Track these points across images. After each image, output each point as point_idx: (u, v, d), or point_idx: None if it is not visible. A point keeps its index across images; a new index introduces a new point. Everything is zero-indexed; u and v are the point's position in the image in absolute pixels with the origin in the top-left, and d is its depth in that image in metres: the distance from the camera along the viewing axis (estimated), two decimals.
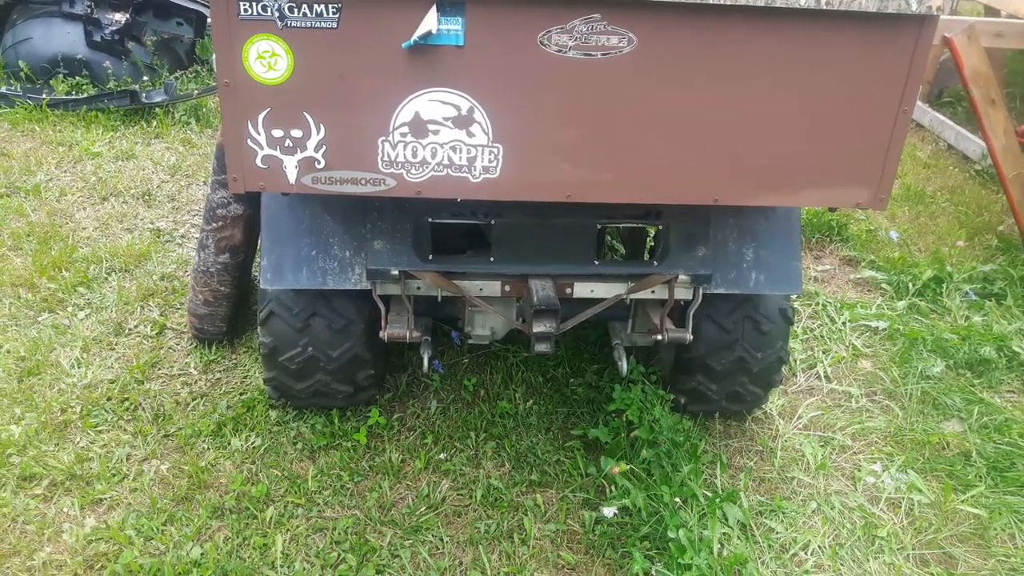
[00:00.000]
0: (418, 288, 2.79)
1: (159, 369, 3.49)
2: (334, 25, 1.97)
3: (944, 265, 4.54)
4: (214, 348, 3.59)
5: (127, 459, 3.02)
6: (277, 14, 1.96)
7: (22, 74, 6.02)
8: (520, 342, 3.67)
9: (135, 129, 5.74)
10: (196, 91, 6.08)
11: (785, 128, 2.18)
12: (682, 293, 2.81)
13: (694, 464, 2.92)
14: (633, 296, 2.83)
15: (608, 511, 2.83)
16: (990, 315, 4.17)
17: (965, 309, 4.26)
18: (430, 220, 2.65)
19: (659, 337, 2.85)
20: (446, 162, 2.17)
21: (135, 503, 2.84)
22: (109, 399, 3.29)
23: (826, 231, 4.96)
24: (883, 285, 4.47)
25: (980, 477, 3.17)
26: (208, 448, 3.09)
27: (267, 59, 2.00)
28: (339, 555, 2.69)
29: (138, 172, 5.15)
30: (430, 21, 1.95)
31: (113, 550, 2.66)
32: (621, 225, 3.35)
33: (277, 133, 2.10)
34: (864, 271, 4.62)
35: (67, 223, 4.53)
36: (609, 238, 4.15)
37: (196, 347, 3.60)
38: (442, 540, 2.78)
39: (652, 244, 3.52)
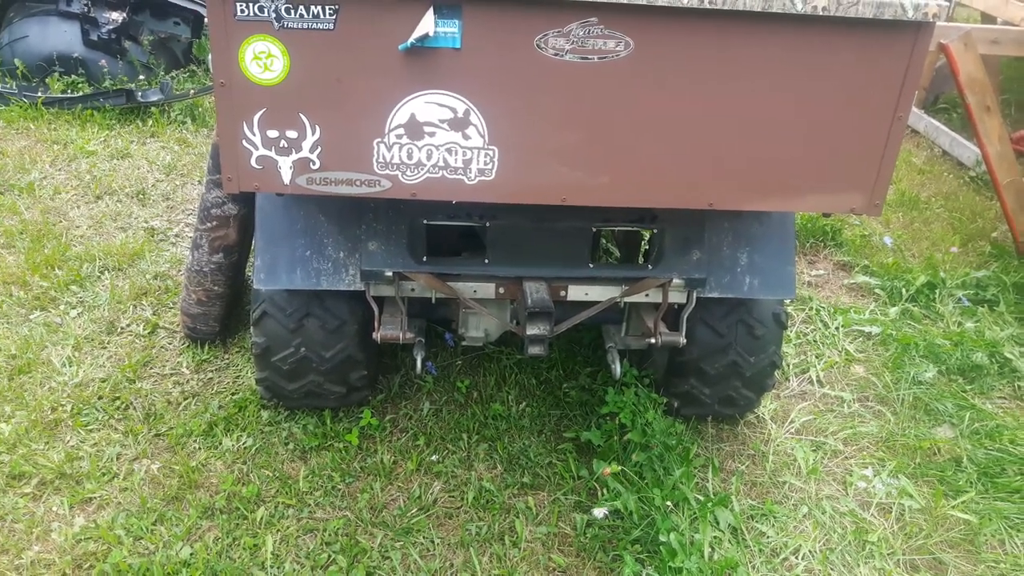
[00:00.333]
0: (412, 289, 2.79)
1: (151, 368, 3.48)
2: (331, 26, 1.97)
3: (937, 271, 4.55)
4: (207, 348, 3.58)
5: (117, 458, 3.01)
6: (274, 15, 1.95)
7: (18, 72, 6.00)
8: (514, 344, 3.67)
9: (130, 128, 5.73)
10: (192, 91, 6.07)
11: (781, 133, 2.19)
12: (676, 297, 2.81)
13: (686, 467, 2.92)
14: (627, 299, 2.83)
15: (599, 513, 2.83)
16: (982, 321, 4.19)
17: (958, 315, 4.27)
18: (425, 222, 2.65)
19: (653, 340, 2.86)
20: (441, 164, 2.17)
21: (125, 502, 2.83)
22: (100, 398, 3.27)
23: (820, 236, 4.97)
24: (876, 290, 4.49)
25: (971, 483, 3.18)
26: (199, 448, 3.08)
27: (263, 60, 2.00)
28: (329, 556, 2.69)
29: (133, 171, 5.14)
30: (427, 23, 1.95)
31: (102, 549, 2.65)
32: (616, 228, 3.35)
33: (272, 134, 2.10)
34: (858, 276, 4.63)
35: (61, 221, 4.51)
36: (604, 241, 4.16)
37: (188, 346, 3.59)
38: (433, 542, 2.78)
39: (647, 247, 3.53)
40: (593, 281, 2.80)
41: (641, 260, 3.52)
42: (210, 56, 2.07)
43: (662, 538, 2.64)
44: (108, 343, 3.60)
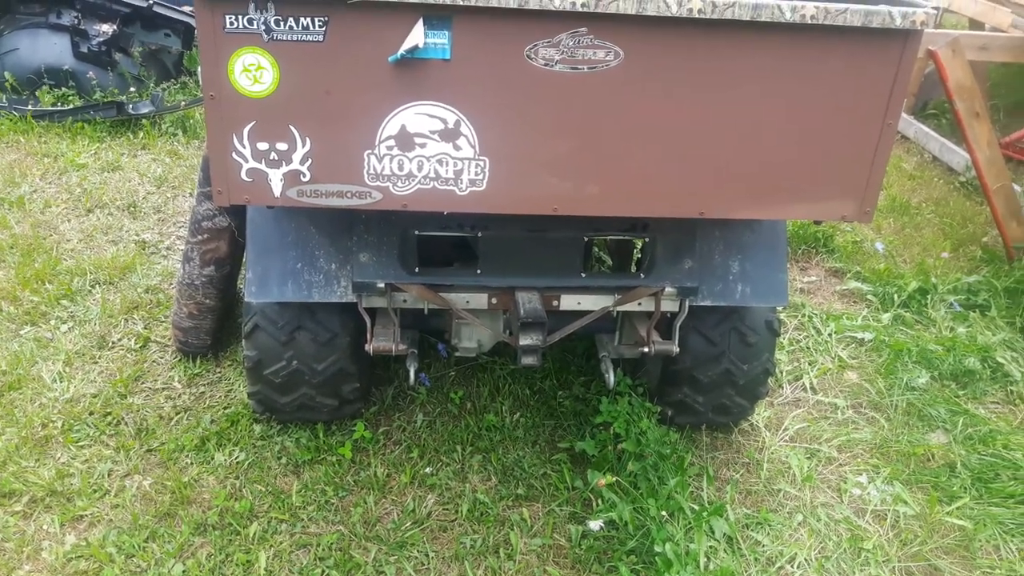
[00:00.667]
0: (404, 301, 2.78)
1: (142, 383, 3.46)
2: (320, 39, 1.97)
3: (929, 276, 4.57)
4: (198, 361, 3.56)
5: (109, 475, 2.99)
6: (263, 27, 1.95)
7: (8, 85, 5.98)
8: (507, 354, 3.66)
9: (121, 140, 5.71)
10: (183, 102, 6.06)
11: (771, 142, 2.19)
12: (669, 305, 2.81)
13: (681, 477, 2.92)
14: (620, 308, 2.83)
15: (594, 525, 2.82)
16: (974, 326, 4.19)
17: (950, 320, 4.28)
18: (416, 233, 2.65)
19: (646, 349, 2.85)
20: (432, 175, 2.17)
21: (116, 519, 2.81)
22: (91, 413, 3.25)
23: (812, 242, 4.98)
24: (869, 296, 4.49)
25: (965, 489, 3.18)
26: (191, 463, 3.06)
27: (253, 72, 1.99)
28: (323, 571, 2.67)
29: (124, 184, 5.12)
30: (417, 35, 1.95)
31: (94, 568, 2.62)
32: (608, 237, 3.35)
33: (262, 146, 2.09)
34: (850, 282, 4.64)
35: (51, 235, 4.49)
36: (596, 250, 4.16)
37: (180, 360, 3.57)
38: (427, 556, 2.76)
39: (639, 256, 3.53)
40: (585, 290, 2.80)
41: (633, 269, 3.52)
42: (199, 68, 2.07)
43: (657, 549, 2.63)
44: (99, 358, 3.58)
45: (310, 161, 2.12)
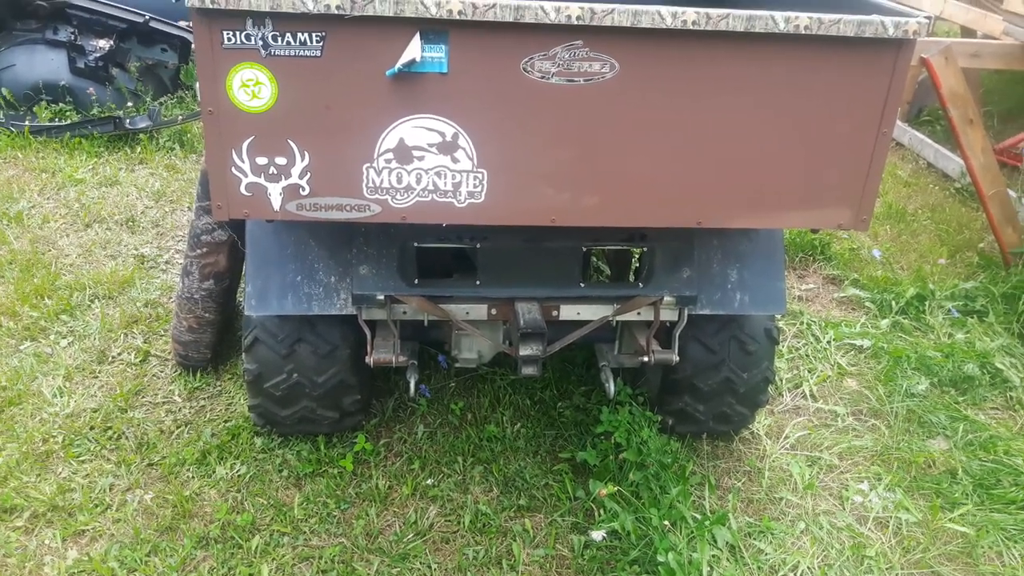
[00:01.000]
0: (404, 313, 2.78)
1: (143, 397, 3.46)
2: (318, 54, 1.98)
3: (926, 283, 4.58)
4: (198, 375, 3.56)
5: (110, 489, 2.99)
6: (261, 43, 1.96)
7: (4, 101, 6.00)
8: (507, 365, 3.67)
9: (119, 155, 5.72)
10: (180, 117, 6.07)
11: (767, 151, 2.21)
12: (668, 314, 2.82)
13: (682, 486, 2.92)
14: (619, 318, 2.84)
15: (597, 535, 2.82)
16: (972, 332, 4.20)
17: (948, 326, 4.29)
18: (416, 245, 2.66)
19: (645, 359, 2.86)
20: (431, 187, 2.18)
21: (118, 534, 2.80)
22: (92, 428, 3.25)
23: (809, 250, 5.00)
24: (867, 303, 4.50)
25: (966, 495, 3.18)
26: (192, 477, 3.06)
27: (251, 87, 2.01)
28: None
29: (122, 198, 5.13)
30: (414, 49, 1.96)
31: None
32: (606, 248, 3.36)
33: (261, 161, 2.10)
34: (848, 289, 4.65)
35: (50, 250, 4.49)
36: (594, 259, 4.17)
37: (180, 374, 3.57)
38: (430, 567, 2.76)
39: (637, 266, 3.54)
40: (585, 300, 2.81)
41: (632, 278, 3.53)
42: (197, 84, 2.08)
43: (660, 558, 2.63)
44: (99, 372, 3.58)
45: (309, 175, 2.13)
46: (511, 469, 3.18)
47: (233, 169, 2.10)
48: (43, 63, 6.10)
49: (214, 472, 3.07)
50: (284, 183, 2.13)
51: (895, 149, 6.85)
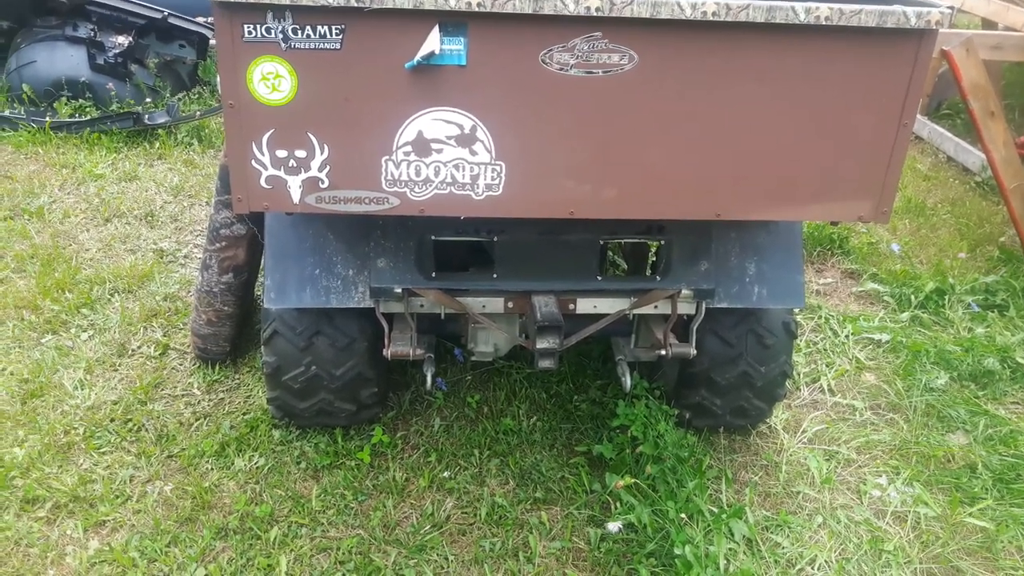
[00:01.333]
0: (421, 306, 2.79)
1: (162, 390, 3.49)
2: (337, 46, 1.99)
3: (946, 277, 4.54)
4: (217, 368, 3.59)
5: (130, 480, 3.02)
6: (281, 36, 1.97)
7: (25, 97, 6.06)
8: (523, 358, 3.67)
9: (138, 150, 5.77)
10: (198, 112, 6.11)
11: (786, 143, 2.19)
12: (685, 308, 2.81)
13: (699, 479, 2.91)
14: (636, 311, 2.83)
15: (613, 527, 2.82)
16: (993, 327, 4.17)
17: (968, 321, 4.25)
18: (433, 238, 2.66)
19: (663, 352, 2.85)
20: (449, 180, 2.18)
21: (139, 525, 2.83)
22: (112, 420, 3.28)
23: (827, 244, 4.97)
24: (885, 298, 4.47)
25: (986, 490, 3.16)
26: (212, 468, 3.08)
27: (271, 80, 2.02)
28: (343, 575, 2.68)
29: (141, 193, 5.17)
30: (433, 42, 1.97)
31: (117, 572, 2.65)
32: (623, 240, 3.35)
33: (281, 154, 2.11)
34: (866, 284, 4.62)
35: (70, 245, 4.54)
36: (611, 253, 4.16)
37: (199, 367, 3.60)
38: (447, 559, 2.77)
39: (654, 259, 3.53)
40: (602, 294, 2.80)
41: (649, 272, 3.52)
42: (218, 77, 2.09)
43: (677, 551, 2.62)
44: (119, 365, 3.62)
45: (328, 168, 2.14)
46: (527, 462, 3.19)
47: (253, 162, 2.12)
48: (63, 59, 6.16)
49: (233, 464, 3.09)
50: (304, 176, 2.14)
51: (914, 143, 6.80)
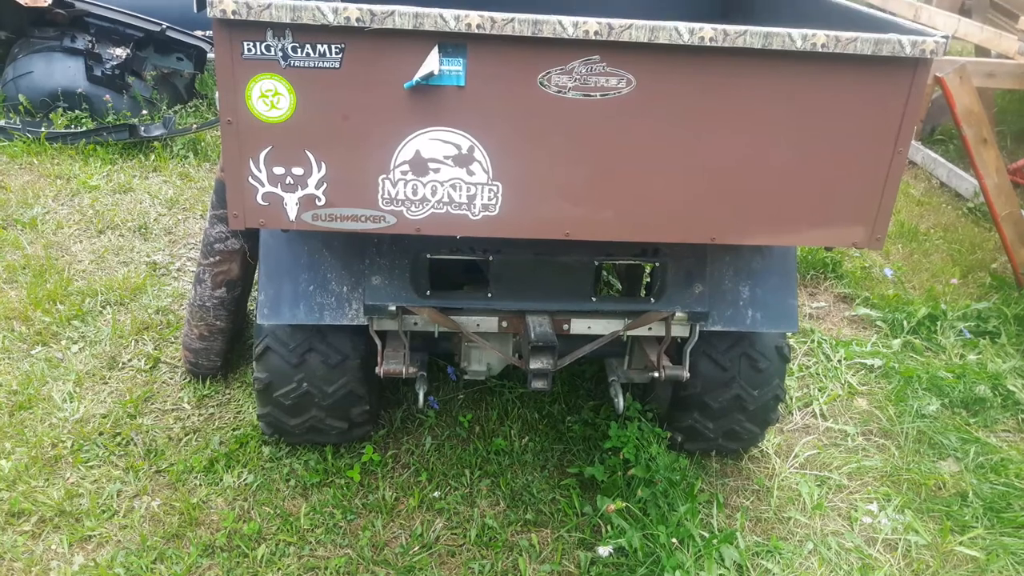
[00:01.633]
0: (415, 324, 2.79)
1: (152, 404, 3.47)
2: (337, 65, 2.00)
3: (938, 303, 4.56)
4: (208, 383, 3.57)
5: (118, 495, 2.99)
6: (280, 54, 1.98)
7: (21, 108, 6.05)
8: (516, 378, 3.66)
9: (133, 162, 5.76)
10: (194, 125, 6.12)
11: (782, 168, 2.21)
12: (679, 330, 2.81)
13: (691, 503, 2.90)
14: (630, 333, 2.83)
15: (604, 551, 2.80)
16: (984, 353, 4.18)
17: (960, 347, 4.27)
18: (428, 256, 2.66)
19: (656, 374, 2.85)
20: (446, 200, 2.18)
21: (125, 540, 2.80)
22: (101, 434, 3.26)
23: (821, 268, 4.99)
24: (878, 322, 4.49)
25: (977, 518, 3.15)
26: (200, 484, 3.06)
27: (270, 98, 2.02)
28: None
29: (135, 205, 5.16)
30: (432, 62, 1.97)
31: None
32: (618, 262, 3.36)
33: (278, 171, 2.11)
34: (859, 308, 4.63)
35: (63, 256, 4.52)
36: (605, 274, 4.16)
37: (190, 381, 3.58)
38: None
39: (648, 281, 3.53)
40: (596, 315, 2.80)
41: (643, 293, 3.52)
42: (217, 94, 2.09)
43: None
44: (109, 378, 3.59)
45: (325, 185, 2.14)
46: (518, 483, 3.17)
47: (250, 179, 2.12)
48: (61, 70, 6.16)
49: (221, 480, 3.07)
50: (300, 193, 2.14)
51: (908, 168, 6.84)
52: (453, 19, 1.93)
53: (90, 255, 4.56)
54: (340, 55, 1.99)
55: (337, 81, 2.01)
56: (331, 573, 2.73)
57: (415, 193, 2.17)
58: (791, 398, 3.79)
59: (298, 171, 2.11)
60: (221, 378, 3.60)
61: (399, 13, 1.92)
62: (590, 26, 1.96)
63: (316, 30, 1.95)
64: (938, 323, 4.40)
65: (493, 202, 2.19)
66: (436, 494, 3.10)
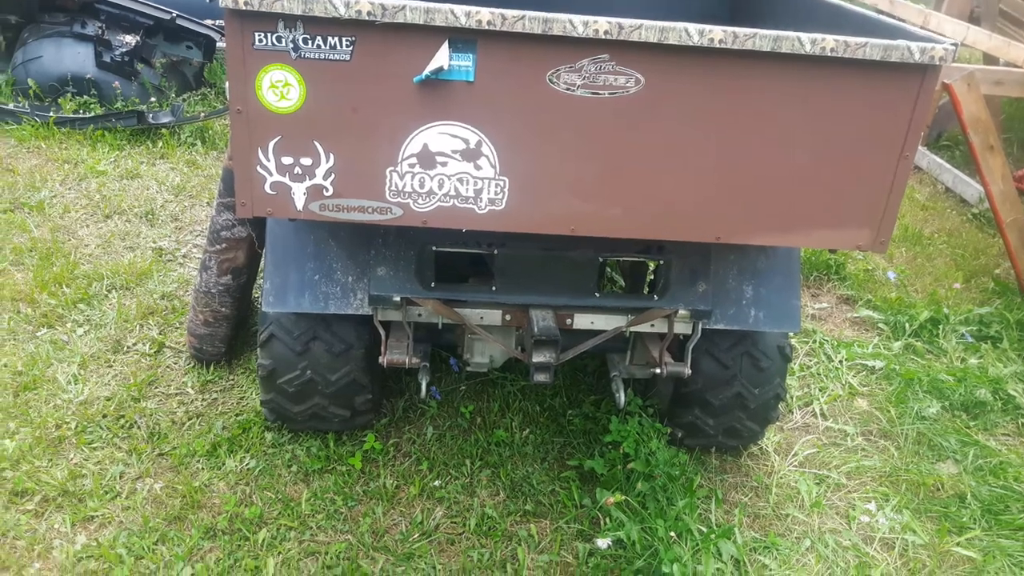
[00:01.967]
0: (419, 315, 2.81)
1: (156, 387, 3.49)
2: (347, 57, 2.01)
3: (941, 307, 4.57)
4: (212, 368, 3.60)
5: (120, 477, 3.02)
6: (291, 45, 1.99)
7: (31, 92, 6.07)
8: (518, 370, 3.68)
9: (141, 149, 5.78)
10: (202, 113, 6.13)
11: (788, 170, 2.22)
12: (682, 328, 2.83)
13: (690, 498, 2.92)
14: (633, 329, 2.85)
15: (602, 543, 2.83)
16: (986, 358, 4.19)
17: (961, 351, 4.28)
18: (434, 248, 2.68)
19: (658, 370, 2.87)
20: (453, 193, 2.20)
21: (127, 521, 2.83)
22: (105, 416, 3.28)
23: (824, 270, 5.00)
24: (880, 325, 4.50)
25: (975, 520, 3.17)
26: (202, 468, 3.09)
27: (280, 88, 2.04)
28: None
29: (142, 191, 5.18)
30: (442, 57, 1.99)
31: (103, 568, 2.65)
32: (622, 259, 3.38)
33: (287, 160, 2.13)
34: (861, 310, 4.64)
35: (70, 240, 4.55)
36: (609, 270, 4.18)
37: (194, 367, 3.61)
38: (435, 568, 2.78)
39: (652, 278, 3.55)
40: (599, 310, 2.82)
41: (647, 290, 3.54)
42: (227, 83, 2.11)
43: (665, 569, 2.63)
44: (114, 361, 3.62)
45: (333, 176, 2.16)
46: (518, 474, 3.20)
47: (259, 168, 2.13)
48: (70, 56, 6.18)
49: (224, 464, 3.10)
50: (308, 183, 2.16)
51: (913, 172, 6.84)
52: (464, 15, 1.95)
53: (96, 239, 4.59)
54: (351, 48, 2.00)
55: (347, 74, 2.03)
56: (331, 558, 2.76)
57: (422, 186, 2.19)
58: (792, 397, 3.81)
59: (306, 161, 2.13)
60: (225, 364, 3.63)
61: (410, 8, 1.94)
62: (600, 25, 1.97)
63: (327, 22, 1.97)
64: (940, 327, 4.42)
65: (500, 196, 2.21)
66: (436, 483, 3.12)
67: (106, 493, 2.94)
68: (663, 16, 2.15)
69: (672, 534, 2.78)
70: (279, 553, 2.76)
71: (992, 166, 4.54)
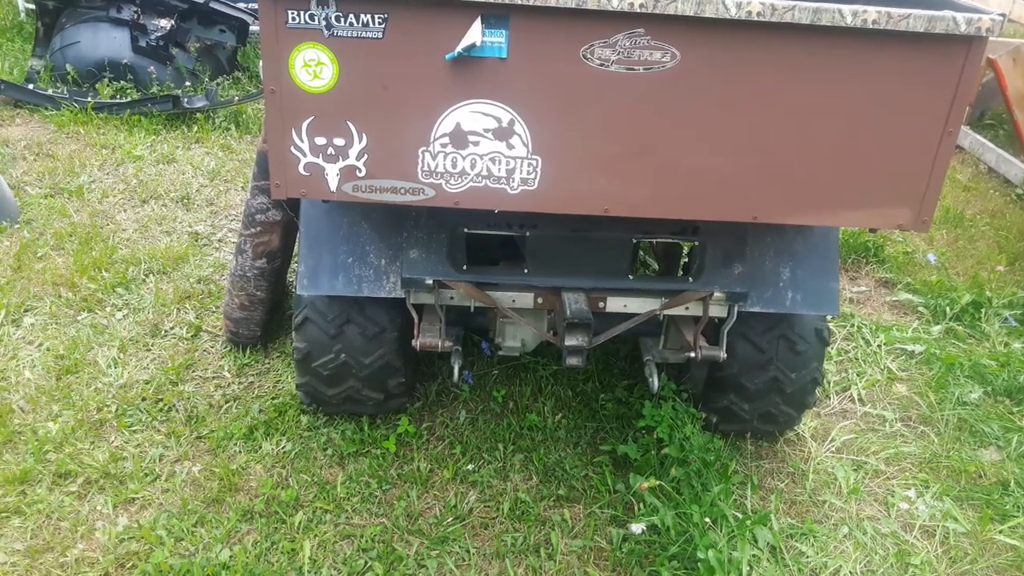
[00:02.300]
0: (451, 298, 2.80)
1: (193, 371, 3.53)
2: (379, 35, 2.00)
3: (983, 290, 4.46)
4: (248, 352, 3.63)
5: (160, 459, 3.06)
6: (324, 23, 1.98)
7: (69, 77, 6.16)
8: (550, 355, 3.67)
9: (176, 133, 5.84)
10: (236, 97, 6.17)
11: (827, 147, 2.16)
12: (717, 311, 2.79)
13: (724, 484, 2.89)
14: (667, 312, 2.81)
15: (636, 528, 2.81)
16: None
17: (1004, 335, 4.17)
18: (466, 230, 2.66)
19: (692, 354, 2.83)
20: (485, 173, 2.18)
21: (167, 503, 2.87)
22: (144, 399, 3.33)
23: (862, 252, 4.90)
24: (920, 308, 4.41)
25: (1019, 507, 3.10)
26: (239, 451, 3.12)
27: (313, 67, 2.03)
28: (366, 563, 2.70)
29: (178, 176, 5.23)
30: (474, 33, 1.96)
31: (144, 549, 2.69)
32: (657, 240, 3.33)
33: (320, 141, 2.12)
34: (900, 293, 4.55)
35: (108, 224, 4.61)
36: (642, 252, 4.13)
37: (230, 350, 3.64)
38: (468, 552, 2.78)
39: (686, 260, 3.50)
40: (633, 293, 2.79)
41: (681, 272, 3.49)
42: (260, 63, 2.11)
43: (700, 555, 2.61)
44: (152, 345, 3.67)
45: (366, 157, 2.15)
46: (551, 459, 3.19)
47: (292, 148, 2.13)
48: (106, 41, 6.24)
49: (260, 447, 3.12)
50: (341, 164, 2.16)
51: (955, 152, 6.67)
52: None
53: (134, 224, 4.64)
54: (383, 25, 1.99)
55: (379, 51, 2.01)
56: (367, 541, 2.78)
57: (454, 166, 2.17)
58: (829, 382, 3.75)
59: (339, 142, 2.12)
60: (261, 348, 3.66)
61: None
62: None
63: (359, 0, 1.95)
64: (982, 310, 4.31)
65: (532, 176, 2.19)
66: (470, 467, 3.13)
67: (146, 475, 2.98)
68: None
69: (707, 520, 2.75)
70: (315, 535, 2.78)
71: None
